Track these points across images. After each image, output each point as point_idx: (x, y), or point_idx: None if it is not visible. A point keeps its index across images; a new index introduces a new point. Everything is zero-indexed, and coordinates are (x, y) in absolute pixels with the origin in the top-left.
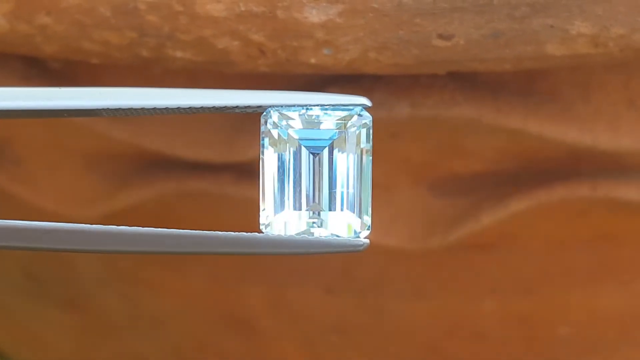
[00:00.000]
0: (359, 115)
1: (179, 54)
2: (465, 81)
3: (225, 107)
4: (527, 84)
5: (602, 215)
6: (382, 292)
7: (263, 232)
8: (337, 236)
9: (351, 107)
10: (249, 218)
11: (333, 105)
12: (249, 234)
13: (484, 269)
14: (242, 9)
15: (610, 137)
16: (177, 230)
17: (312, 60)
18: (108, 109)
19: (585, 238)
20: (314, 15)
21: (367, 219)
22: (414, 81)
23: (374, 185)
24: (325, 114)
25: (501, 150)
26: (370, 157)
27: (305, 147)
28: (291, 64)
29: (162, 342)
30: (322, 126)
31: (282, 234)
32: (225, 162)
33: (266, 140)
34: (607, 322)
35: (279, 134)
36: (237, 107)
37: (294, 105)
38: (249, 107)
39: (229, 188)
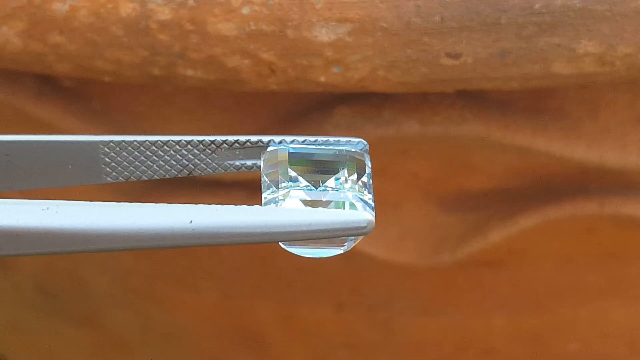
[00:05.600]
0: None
1: (189, 72)
2: (474, 99)
3: (226, 141)
4: (534, 102)
5: (611, 232)
6: (392, 308)
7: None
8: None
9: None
10: None
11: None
12: (249, 206)
13: (493, 285)
14: (253, 28)
15: (618, 154)
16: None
17: (322, 79)
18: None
19: (593, 254)
20: (323, 35)
21: (371, 212)
22: (422, 99)
23: (383, 202)
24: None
25: (509, 167)
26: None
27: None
28: (301, 82)
29: (174, 357)
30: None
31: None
32: (237, 180)
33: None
34: (617, 338)
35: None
36: (236, 141)
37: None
38: (248, 141)
39: (239, 204)
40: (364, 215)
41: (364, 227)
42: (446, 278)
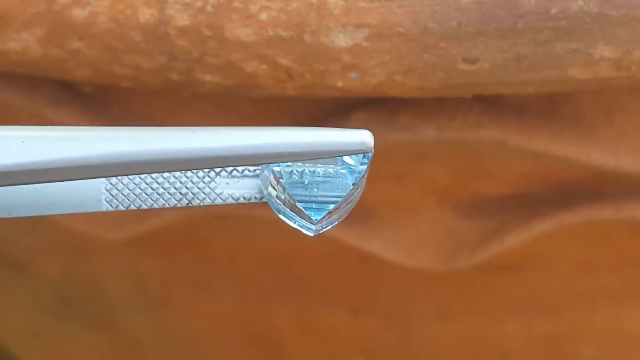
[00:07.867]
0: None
1: (208, 77)
2: (490, 104)
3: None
4: (551, 106)
5: (626, 237)
6: (408, 313)
7: None
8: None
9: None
10: (277, 238)
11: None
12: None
13: (508, 290)
14: (270, 33)
15: (634, 159)
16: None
17: (339, 84)
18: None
19: (609, 259)
20: (340, 40)
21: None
22: (439, 104)
23: (400, 207)
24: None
25: (525, 172)
26: None
27: None
28: (318, 87)
29: None
30: None
31: None
32: None
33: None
34: (632, 344)
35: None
36: (235, 169)
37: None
38: (247, 169)
39: (256, 210)
40: (363, 134)
41: (364, 144)
42: (462, 283)
